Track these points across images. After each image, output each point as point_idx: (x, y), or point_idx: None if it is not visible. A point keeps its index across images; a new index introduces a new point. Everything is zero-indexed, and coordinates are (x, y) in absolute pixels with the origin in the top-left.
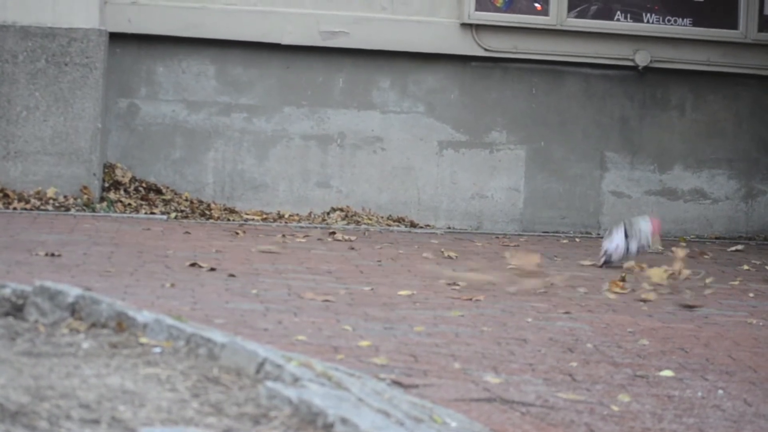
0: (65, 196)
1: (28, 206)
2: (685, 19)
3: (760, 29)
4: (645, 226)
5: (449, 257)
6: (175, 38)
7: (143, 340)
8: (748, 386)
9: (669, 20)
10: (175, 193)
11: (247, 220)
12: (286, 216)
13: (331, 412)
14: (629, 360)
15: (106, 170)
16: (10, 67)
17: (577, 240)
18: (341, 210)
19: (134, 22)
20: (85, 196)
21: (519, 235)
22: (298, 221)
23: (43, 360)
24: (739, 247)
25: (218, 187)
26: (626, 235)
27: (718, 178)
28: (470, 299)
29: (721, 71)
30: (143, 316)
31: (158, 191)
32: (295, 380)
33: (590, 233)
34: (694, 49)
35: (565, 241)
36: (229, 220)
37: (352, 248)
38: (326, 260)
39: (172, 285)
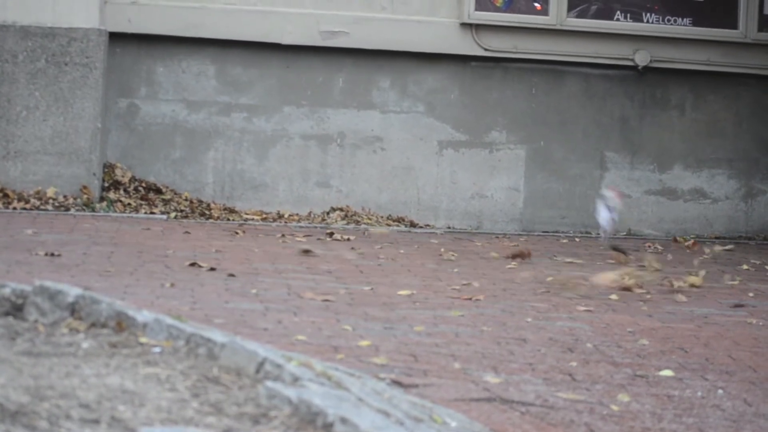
0: (65, 196)
1: (27, 206)
2: (685, 19)
3: (760, 29)
4: (611, 195)
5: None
6: (175, 38)
7: (143, 339)
8: (748, 386)
9: (669, 20)
10: (175, 193)
11: (246, 219)
12: (286, 216)
13: (331, 412)
14: (629, 360)
15: (106, 170)
16: (10, 67)
17: (577, 240)
18: (341, 210)
19: (134, 21)
20: (85, 196)
21: (519, 234)
22: (298, 221)
23: (42, 360)
24: (730, 246)
25: (218, 186)
26: (608, 209)
27: (718, 177)
28: (470, 299)
29: (721, 71)
30: (143, 315)
31: (158, 191)
32: (295, 380)
33: (590, 233)
34: (694, 49)
35: (564, 241)
36: (228, 219)
37: (352, 248)
38: (326, 260)
39: (172, 285)
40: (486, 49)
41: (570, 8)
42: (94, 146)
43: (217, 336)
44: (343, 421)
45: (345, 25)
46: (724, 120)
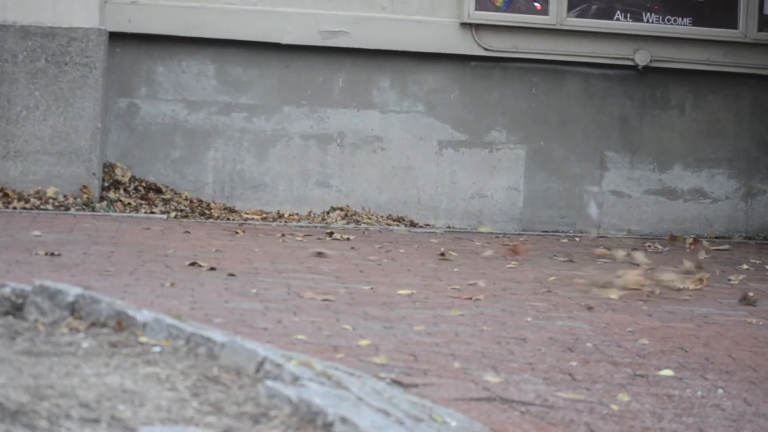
0: (65, 196)
1: (27, 205)
2: (685, 19)
3: (760, 28)
4: (597, 191)
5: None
6: (175, 38)
7: (143, 339)
8: (748, 385)
9: (669, 20)
10: (175, 193)
11: (246, 219)
12: (286, 215)
13: (331, 411)
14: (629, 359)
15: (106, 170)
16: (10, 67)
17: (577, 239)
18: (341, 209)
19: (134, 21)
20: (85, 196)
21: (519, 234)
22: (298, 221)
23: (42, 359)
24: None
25: (218, 186)
26: (597, 204)
27: (718, 177)
28: (470, 298)
29: (721, 71)
30: (143, 315)
31: (158, 190)
32: (295, 379)
33: (590, 232)
34: (694, 49)
35: (564, 241)
36: (228, 219)
37: (353, 248)
38: (325, 259)
39: (172, 284)
40: (486, 49)
41: (570, 8)
42: (94, 146)
43: (217, 335)
44: (343, 420)
45: (345, 25)
46: (724, 120)
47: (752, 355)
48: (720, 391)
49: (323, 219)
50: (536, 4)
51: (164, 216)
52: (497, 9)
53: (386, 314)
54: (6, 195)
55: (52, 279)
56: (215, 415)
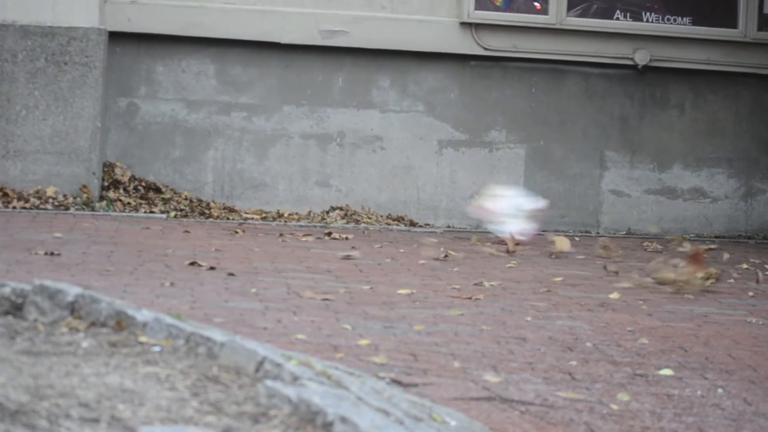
0: (65, 195)
1: (27, 205)
2: (684, 18)
3: (760, 28)
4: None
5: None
6: (175, 37)
7: (143, 338)
8: (748, 385)
9: (669, 19)
10: (175, 192)
11: (246, 219)
12: (286, 215)
13: (331, 411)
14: (629, 359)
15: (106, 169)
16: (10, 66)
17: (577, 239)
18: (341, 209)
19: (134, 21)
20: (85, 195)
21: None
22: (298, 220)
23: (42, 359)
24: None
25: (218, 186)
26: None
27: (718, 177)
28: (470, 298)
29: (721, 70)
30: (142, 315)
31: (158, 190)
32: (295, 379)
33: (590, 232)
34: (693, 48)
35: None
36: (228, 219)
37: (353, 247)
38: (325, 259)
39: (172, 284)
40: (486, 49)
41: (570, 7)
42: (93, 145)
43: (217, 335)
44: (343, 420)
45: (344, 25)
46: (723, 119)
47: (752, 355)
48: (720, 390)
49: (323, 218)
50: (536, 4)
51: (164, 216)
52: (497, 8)
53: (386, 314)
54: (6, 194)
55: (51, 279)
56: (215, 414)
